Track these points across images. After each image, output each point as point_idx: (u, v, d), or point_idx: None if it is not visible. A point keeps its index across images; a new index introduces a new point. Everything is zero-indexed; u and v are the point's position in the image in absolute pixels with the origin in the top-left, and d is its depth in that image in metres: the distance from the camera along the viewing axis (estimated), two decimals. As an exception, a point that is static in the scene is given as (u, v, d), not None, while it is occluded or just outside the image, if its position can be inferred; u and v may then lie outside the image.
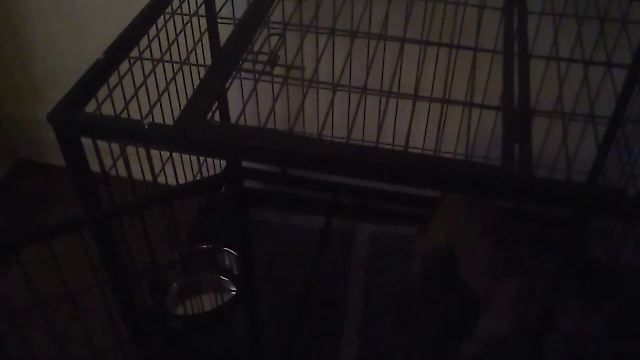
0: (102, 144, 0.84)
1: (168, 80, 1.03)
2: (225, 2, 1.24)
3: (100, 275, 0.91)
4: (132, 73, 0.97)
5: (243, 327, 1.03)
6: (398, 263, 1.45)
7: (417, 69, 1.24)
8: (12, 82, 1.67)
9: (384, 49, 1.28)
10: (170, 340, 1.21)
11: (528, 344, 1.06)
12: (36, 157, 1.78)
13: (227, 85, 0.90)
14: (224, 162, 1.48)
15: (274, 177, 1.58)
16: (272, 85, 1.34)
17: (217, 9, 1.26)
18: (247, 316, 1.00)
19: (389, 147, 1.40)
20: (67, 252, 0.87)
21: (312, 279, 1.39)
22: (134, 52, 0.96)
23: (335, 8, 1.15)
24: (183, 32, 1.11)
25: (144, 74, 0.99)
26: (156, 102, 0.96)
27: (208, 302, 1.29)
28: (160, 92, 1.02)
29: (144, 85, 0.97)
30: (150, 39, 1.01)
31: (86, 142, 0.83)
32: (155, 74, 1.01)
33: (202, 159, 1.40)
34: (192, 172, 1.34)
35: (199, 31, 1.19)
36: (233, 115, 1.43)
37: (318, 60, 0.94)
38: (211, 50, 1.29)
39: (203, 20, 1.24)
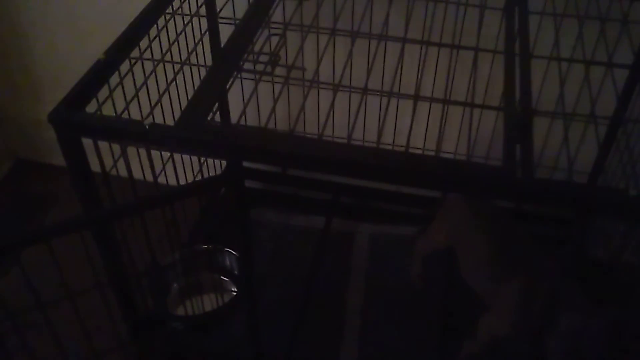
0: (103, 144, 0.84)
1: (169, 81, 1.03)
2: (226, 3, 1.24)
3: (101, 276, 0.91)
4: (132, 73, 0.97)
5: (243, 327, 1.03)
6: (398, 263, 1.44)
7: (418, 69, 1.24)
8: (12, 82, 1.67)
9: (385, 49, 1.28)
10: (171, 340, 1.21)
11: (529, 345, 1.05)
12: (36, 157, 1.78)
13: (227, 86, 0.90)
14: (224, 162, 1.48)
15: (275, 177, 1.58)
16: (273, 85, 1.34)
17: (218, 9, 1.26)
18: (247, 316, 1.00)
19: (390, 147, 1.40)
20: (68, 252, 0.87)
21: (313, 279, 1.39)
22: (135, 53, 0.96)
23: (336, 8, 1.15)
24: (184, 33, 1.11)
25: (144, 74, 0.99)
26: (157, 103, 0.96)
27: (208, 302, 1.29)
28: (160, 93, 1.02)
29: (144, 86, 0.97)
30: (151, 39, 1.01)
31: (86, 142, 0.83)
32: (155, 74, 1.01)
33: (202, 159, 1.40)
34: (193, 172, 1.34)
35: (199, 31, 1.19)
36: (234, 116, 1.43)
37: (319, 60, 0.94)
38: (212, 50, 1.29)
39: (204, 21, 1.24)
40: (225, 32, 1.11)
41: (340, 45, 1.28)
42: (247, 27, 0.94)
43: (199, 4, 1.20)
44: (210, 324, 1.23)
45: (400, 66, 1.01)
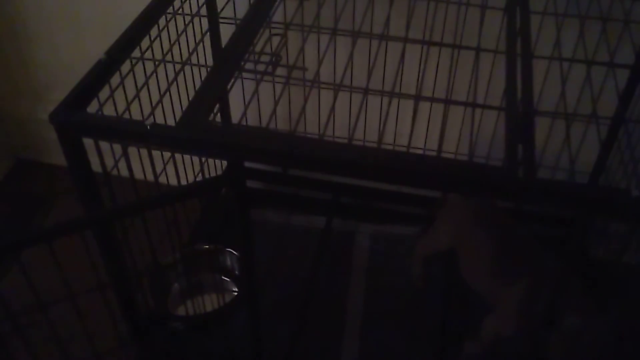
0: (104, 144, 0.84)
1: (170, 81, 1.03)
2: (227, 3, 1.24)
3: (102, 276, 0.91)
4: (133, 73, 0.97)
5: (244, 327, 1.02)
6: (399, 263, 1.44)
7: (419, 69, 1.24)
8: (12, 82, 1.67)
9: (386, 49, 1.28)
10: (172, 340, 1.21)
11: (531, 345, 1.05)
12: (36, 157, 1.78)
13: (229, 86, 0.90)
14: (225, 162, 1.48)
15: (276, 178, 1.58)
16: (274, 85, 1.34)
17: (219, 9, 1.26)
18: (248, 316, 1.00)
19: (391, 147, 1.40)
20: (69, 252, 0.87)
21: (313, 279, 1.39)
22: (136, 53, 0.96)
23: (337, 8, 1.14)
24: (185, 33, 1.11)
25: (145, 74, 0.99)
26: (158, 103, 0.96)
27: (209, 302, 1.29)
28: (162, 93, 1.02)
29: (145, 86, 0.97)
30: (152, 39, 1.01)
31: (87, 142, 0.83)
32: (156, 75, 1.00)
33: (203, 159, 1.40)
34: (194, 172, 1.34)
35: (200, 31, 1.19)
36: (235, 116, 1.43)
37: (320, 60, 0.94)
38: (213, 50, 1.29)
39: (205, 21, 1.24)
40: (226, 32, 1.11)
41: (341, 45, 1.27)
42: (248, 27, 0.94)
43: (200, 4, 1.20)
44: (211, 324, 1.23)
45: (401, 66, 1.01)
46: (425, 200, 1.43)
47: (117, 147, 0.87)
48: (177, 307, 1.30)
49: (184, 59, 1.04)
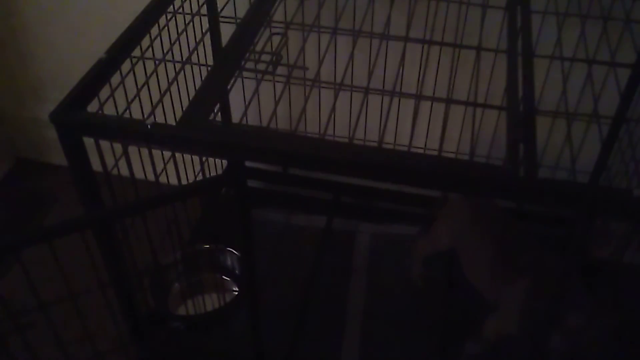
0: (104, 143, 0.83)
1: (170, 80, 1.03)
2: (227, 2, 1.23)
3: (102, 276, 0.91)
4: (134, 73, 0.97)
5: (245, 327, 1.02)
6: (399, 263, 1.44)
7: (420, 68, 1.24)
8: (12, 82, 1.67)
9: (387, 48, 1.27)
10: (172, 340, 1.21)
11: (533, 344, 1.05)
12: (36, 157, 1.78)
13: (229, 85, 0.90)
14: (225, 162, 1.48)
15: (276, 177, 1.58)
16: (274, 85, 1.34)
17: (219, 9, 1.25)
18: (248, 316, 1.00)
19: (392, 147, 1.40)
20: (69, 252, 0.87)
21: (314, 278, 1.39)
22: (136, 52, 0.96)
23: (337, 7, 1.14)
24: (185, 32, 1.11)
25: (145, 73, 0.99)
26: (158, 102, 0.96)
27: (210, 302, 1.29)
28: (162, 92, 1.01)
29: (146, 85, 0.97)
30: (152, 38, 1.01)
31: (88, 141, 0.82)
32: (157, 74, 1.00)
33: (204, 158, 1.39)
34: (194, 171, 1.34)
35: (200, 31, 1.19)
36: (235, 115, 1.43)
37: (320, 60, 0.94)
38: (213, 50, 1.29)
39: (205, 20, 1.23)
40: (227, 31, 1.11)
41: (342, 45, 1.27)
42: (249, 27, 0.94)
43: (200, 3, 1.20)
44: (212, 324, 1.23)
45: (402, 65, 1.00)
46: (426, 200, 1.43)
47: (118, 147, 0.87)
48: (178, 307, 1.30)
49: (184, 58, 1.04)
